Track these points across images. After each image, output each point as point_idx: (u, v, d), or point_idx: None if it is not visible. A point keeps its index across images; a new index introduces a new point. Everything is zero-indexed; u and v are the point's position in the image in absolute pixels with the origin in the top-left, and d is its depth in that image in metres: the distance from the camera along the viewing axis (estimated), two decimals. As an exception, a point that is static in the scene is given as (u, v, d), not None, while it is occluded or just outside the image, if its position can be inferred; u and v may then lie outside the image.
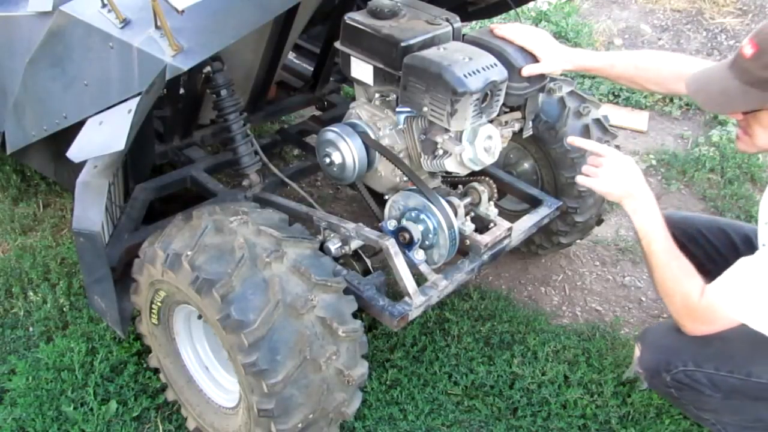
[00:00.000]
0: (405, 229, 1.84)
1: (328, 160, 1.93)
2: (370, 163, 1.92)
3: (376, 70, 1.84)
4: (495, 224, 1.98)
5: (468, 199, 2.01)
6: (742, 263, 1.49)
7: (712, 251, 1.91)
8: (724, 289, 1.49)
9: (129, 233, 1.97)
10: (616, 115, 3.68)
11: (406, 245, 1.84)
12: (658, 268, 1.60)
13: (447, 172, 1.91)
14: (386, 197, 1.99)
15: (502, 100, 1.79)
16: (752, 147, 1.55)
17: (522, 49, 1.81)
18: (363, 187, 2.04)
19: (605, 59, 1.87)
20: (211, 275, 1.53)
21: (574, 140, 1.83)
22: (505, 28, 1.83)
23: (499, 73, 1.73)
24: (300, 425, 1.59)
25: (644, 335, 1.78)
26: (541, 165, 2.38)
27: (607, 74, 1.92)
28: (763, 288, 1.44)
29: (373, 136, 1.89)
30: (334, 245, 1.85)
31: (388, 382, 2.15)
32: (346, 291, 1.67)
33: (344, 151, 1.88)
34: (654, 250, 1.61)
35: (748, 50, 1.39)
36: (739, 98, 1.44)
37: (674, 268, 1.58)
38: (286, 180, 2.19)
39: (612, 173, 1.67)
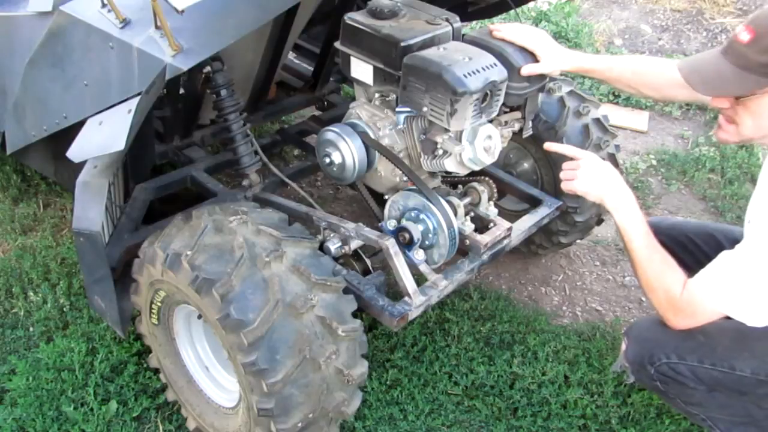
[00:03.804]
0: (405, 229, 1.84)
1: (328, 160, 1.93)
2: (370, 163, 1.92)
3: (376, 70, 1.84)
4: (495, 224, 1.98)
5: (468, 199, 2.01)
6: (723, 256, 1.51)
7: (702, 257, 1.91)
8: (706, 282, 1.51)
9: (129, 233, 1.97)
10: (616, 115, 3.68)
11: (406, 245, 1.84)
12: (641, 263, 1.62)
13: (447, 172, 1.91)
14: (386, 197, 1.99)
15: (501, 100, 1.79)
16: (735, 136, 1.55)
17: (522, 49, 1.81)
18: (363, 187, 2.04)
19: (603, 62, 1.89)
20: (211, 275, 1.54)
21: (550, 146, 1.85)
22: (505, 28, 1.83)
23: (499, 73, 1.73)
24: (300, 425, 1.59)
25: (630, 329, 1.79)
26: (541, 165, 2.38)
27: (604, 77, 1.93)
28: (744, 279, 1.46)
29: (373, 136, 1.89)
30: (333, 245, 1.85)
31: (388, 382, 2.15)
32: (346, 290, 1.67)
33: (344, 151, 1.88)
34: (636, 247, 1.63)
35: (744, 36, 1.40)
36: (734, 82, 1.44)
37: (656, 262, 1.60)
38: (286, 180, 2.19)
39: (589, 174, 1.70)
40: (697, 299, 1.52)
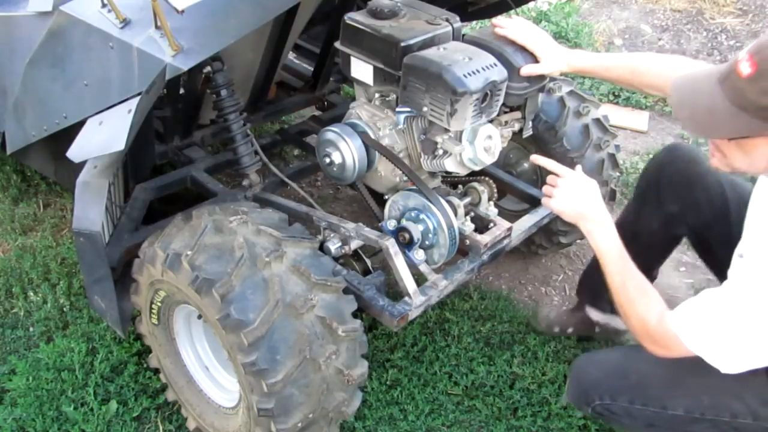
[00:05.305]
0: (405, 229, 1.84)
1: (328, 160, 1.94)
2: (370, 163, 1.92)
3: (376, 70, 1.84)
4: (495, 224, 1.98)
5: (468, 199, 2.01)
6: (706, 296, 1.43)
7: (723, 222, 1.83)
8: (685, 321, 1.44)
9: (129, 233, 1.97)
10: (616, 115, 3.67)
11: (406, 245, 1.84)
12: (614, 287, 1.59)
13: (447, 172, 1.91)
14: (386, 197, 1.99)
15: (501, 100, 1.79)
16: (726, 166, 1.43)
17: (522, 49, 1.81)
18: (363, 187, 2.04)
19: (601, 62, 1.86)
20: (211, 275, 1.54)
21: (536, 158, 1.82)
22: (507, 25, 1.83)
23: (499, 73, 1.73)
24: (300, 425, 1.59)
25: (572, 368, 1.75)
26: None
27: (603, 77, 1.92)
28: (724, 326, 1.39)
29: (373, 136, 1.89)
30: (333, 245, 1.85)
31: (388, 382, 2.15)
32: (346, 291, 1.67)
33: (344, 151, 1.88)
34: (609, 271, 1.59)
35: (746, 69, 1.23)
36: (726, 122, 1.28)
37: (630, 289, 1.55)
38: (286, 180, 2.20)
39: (566, 194, 1.67)
40: (672, 335, 1.45)
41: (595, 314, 2.24)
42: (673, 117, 1.38)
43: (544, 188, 1.74)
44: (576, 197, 1.66)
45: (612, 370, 1.63)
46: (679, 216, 1.91)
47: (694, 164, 1.90)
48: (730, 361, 1.40)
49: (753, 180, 1.56)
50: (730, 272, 1.45)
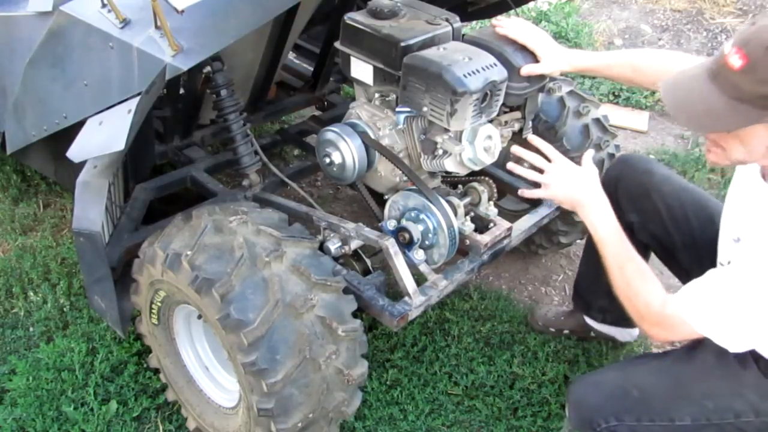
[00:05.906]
0: (405, 229, 1.84)
1: (328, 160, 1.94)
2: (369, 163, 1.92)
3: (375, 70, 1.84)
4: (495, 224, 1.98)
5: (468, 199, 2.01)
6: (711, 277, 1.43)
7: (686, 236, 1.88)
8: (691, 303, 1.43)
9: (129, 233, 1.97)
10: (616, 115, 3.68)
11: (406, 245, 1.84)
12: (612, 271, 1.57)
13: (447, 172, 1.91)
14: (386, 197, 1.99)
15: (501, 99, 1.79)
16: (725, 160, 1.41)
17: (522, 49, 1.81)
18: (363, 187, 2.04)
19: (602, 60, 1.86)
20: (211, 275, 1.54)
21: (533, 138, 1.82)
22: (507, 24, 1.83)
23: (499, 73, 1.73)
24: (300, 425, 1.59)
25: (569, 394, 1.72)
26: (541, 165, 2.38)
27: (605, 75, 1.92)
28: (733, 305, 1.38)
29: (373, 136, 1.89)
30: (333, 245, 1.85)
31: (388, 382, 2.15)
32: (346, 290, 1.67)
33: (344, 151, 1.88)
34: (608, 254, 1.58)
35: (736, 61, 1.23)
36: (727, 116, 1.28)
37: (629, 272, 1.54)
38: (286, 180, 2.20)
39: (560, 181, 1.67)
40: (678, 318, 1.44)
41: (590, 321, 2.26)
42: (672, 120, 1.36)
43: (533, 174, 1.72)
44: (570, 184, 1.66)
45: (612, 391, 1.59)
46: (640, 225, 1.93)
47: (648, 174, 1.93)
48: (738, 341, 1.41)
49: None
50: (728, 256, 1.45)
